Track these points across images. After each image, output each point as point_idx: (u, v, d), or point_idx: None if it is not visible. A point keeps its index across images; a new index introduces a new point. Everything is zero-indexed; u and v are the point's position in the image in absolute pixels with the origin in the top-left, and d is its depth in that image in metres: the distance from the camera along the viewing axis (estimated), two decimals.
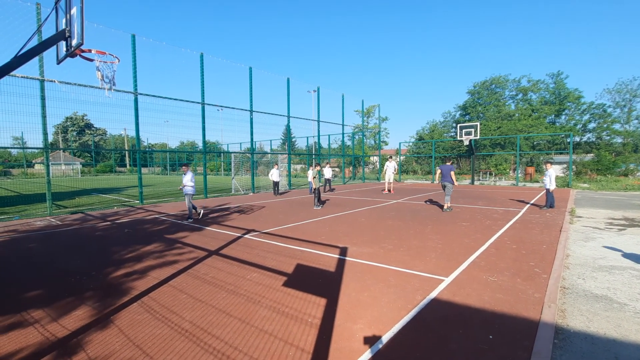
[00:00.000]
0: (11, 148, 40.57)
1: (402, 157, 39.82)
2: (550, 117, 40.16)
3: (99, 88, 5.50)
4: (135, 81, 12.60)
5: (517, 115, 37.98)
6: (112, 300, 3.94)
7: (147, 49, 13.53)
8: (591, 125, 39.00)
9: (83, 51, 4.98)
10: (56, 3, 5.14)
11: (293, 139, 56.25)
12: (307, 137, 32.81)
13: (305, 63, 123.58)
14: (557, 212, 10.15)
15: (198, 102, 14.99)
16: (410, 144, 44.48)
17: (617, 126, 37.52)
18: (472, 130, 22.09)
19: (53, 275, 4.93)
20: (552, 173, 10.70)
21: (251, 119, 17.52)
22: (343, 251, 5.98)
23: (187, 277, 4.73)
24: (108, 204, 13.75)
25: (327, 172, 18.11)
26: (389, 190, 17.29)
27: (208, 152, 28.37)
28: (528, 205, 11.98)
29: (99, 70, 5.18)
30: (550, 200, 10.75)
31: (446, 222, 8.72)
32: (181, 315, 3.54)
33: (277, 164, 17.39)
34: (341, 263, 5.30)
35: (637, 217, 9.42)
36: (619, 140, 37.34)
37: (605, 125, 37.16)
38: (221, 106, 16.79)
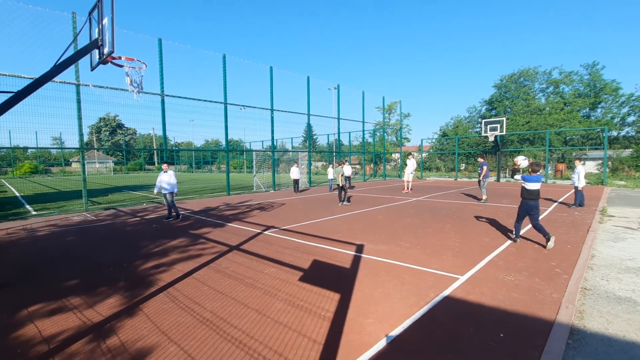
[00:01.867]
0: (51, 148, 43.26)
1: (424, 154, 39.12)
2: (584, 111, 38.13)
3: (129, 91, 5.84)
4: (162, 83, 13.15)
5: (547, 109, 36.33)
6: (141, 291, 4.24)
7: (172, 52, 14.07)
8: (630, 119, 36.69)
9: (114, 58, 5.33)
10: (90, 14, 5.52)
11: (314, 137, 56.53)
12: (328, 135, 32.90)
13: (325, 61, 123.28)
14: (586, 211, 9.74)
15: (221, 102, 15.43)
16: (434, 140, 43.59)
17: None
18: (498, 125, 21.41)
19: (89, 267, 5.33)
20: (581, 170, 10.26)
21: (272, 118, 17.83)
22: (359, 248, 6.07)
23: (209, 271, 4.99)
24: (137, 200, 14.47)
25: (347, 170, 18.12)
26: (409, 189, 16.74)
27: (230, 151, 29.07)
28: (556, 203, 11.54)
29: (128, 76, 5.52)
30: (579, 199, 10.32)
31: (466, 220, 8.60)
32: (203, 305, 3.77)
33: (297, 162, 17.45)
34: (356, 260, 5.40)
35: None
36: None
37: None
38: (243, 105, 17.19)
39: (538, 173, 5.96)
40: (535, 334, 3.06)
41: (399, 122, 36.02)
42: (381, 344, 2.93)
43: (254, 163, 20.13)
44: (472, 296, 3.91)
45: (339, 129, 23.19)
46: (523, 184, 6.10)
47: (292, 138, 36.99)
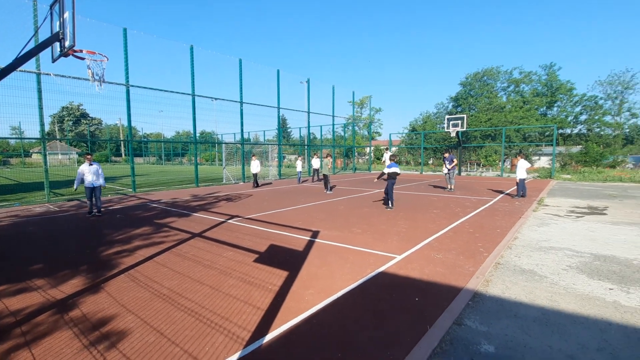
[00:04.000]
0: (9, 138, 40.70)
1: (394, 148, 40.33)
2: (542, 109, 40.69)
3: (90, 83, 5.96)
4: (127, 73, 12.99)
5: (508, 107, 38.47)
6: (103, 272, 4.53)
7: (138, 43, 13.87)
8: (583, 117, 39.64)
9: (75, 51, 5.44)
10: (51, 7, 5.60)
11: (289, 129, 56.56)
12: (300, 128, 33.21)
13: (298, 56, 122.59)
14: (526, 201, 10.79)
15: (188, 94, 15.40)
16: (403, 135, 45.00)
17: (608, 118, 38.22)
18: (459, 122, 22.62)
19: (52, 253, 5.50)
20: (522, 164, 11.32)
21: (241, 110, 17.96)
22: (314, 234, 6.59)
23: (170, 255, 5.32)
24: (102, 192, 14.24)
25: (315, 163, 18.62)
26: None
27: (199, 143, 28.68)
28: (502, 194, 12.62)
29: (90, 69, 5.66)
30: (521, 190, 11.39)
31: (418, 210, 9.34)
32: (161, 283, 4.14)
33: (255, 155, 16.34)
34: (310, 244, 5.90)
35: (600, 205, 10.07)
36: (609, 132, 38.07)
37: (596, 117, 37.81)
38: (213, 98, 17.19)
39: (394, 162, 9.51)
40: (444, 298, 3.68)
41: (369, 117, 36.89)
42: (315, 308, 3.44)
43: (223, 155, 20.18)
44: (402, 271, 4.52)
45: (308, 122, 23.62)
46: (386, 170, 9.35)
47: (264, 131, 37.05)
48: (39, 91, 10.83)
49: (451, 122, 23.22)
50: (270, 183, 18.62)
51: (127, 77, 13.01)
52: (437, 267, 4.64)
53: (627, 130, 41.27)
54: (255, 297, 3.72)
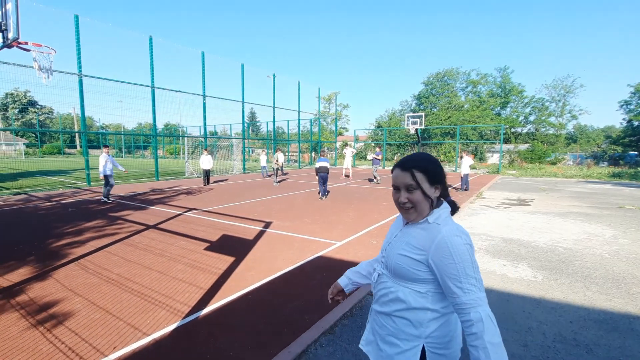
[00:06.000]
0: None
1: (360, 144, 41.42)
2: (497, 109, 43.47)
3: (38, 75, 5.93)
4: (79, 62, 12.57)
5: (466, 106, 40.73)
6: (51, 262, 4.69)
7: (93, 31, 13.42)
8: (532, 118, 42.84)
9: (20, 43, 5.44)
10: None
11: (258, 124, 56.01)
12: (267, 122, 33.23)
13: (265, 52, 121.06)
14: (468, 194, 11.85)
15: (147, 86, 15.13)
16: (369, 131, 46.25)
17: (552, 119, 41.61)
18: (418, 120, 23.82)
19: None
20: (465, 160, 12.39)
21: (204, 104, 17.86)
22: (267, 224, 7.01)
23: (122, 245, 5.53)
24: (54, 185, 13.75)
25: (280, 158, 18.88)
26: (347, 176, 18.39)
27: (159, 136, 27.91)
28: (449, 188, 13.67)
29: (36, 61, 5.66)
30: (464, 183, 12.46)
31: (369, 202, 10.03)
32: (111, 270, 4.39)
33: (206, 150, 14.89)
34: (261, 233, 6.32)
35: (528, 198, 11.30)
36: (553, 131, 41.48)
37: (542, 118, 41.04)
38: (174, 90, 16.95)
39: (324, 157, 10.57)
40: None
41: (336, 113, 37.58)
42: (253, 286, 3.89)
43: (186, 149, 19.94)
44: (338, 255, 5.08)
45: (274, 117, 23.80)
46: (316, 165, 10.39)
47: (231, 125, 36.64)
48: None
49: (411, 120, 24.38)
50: (226, 180, 18.26)
51: (79, 67, 12.59)
52: (369, 251, 5.25)
53: (572, 130, 45.23)
54: (199, 279, 4.11)
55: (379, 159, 15.69)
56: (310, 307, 3.39)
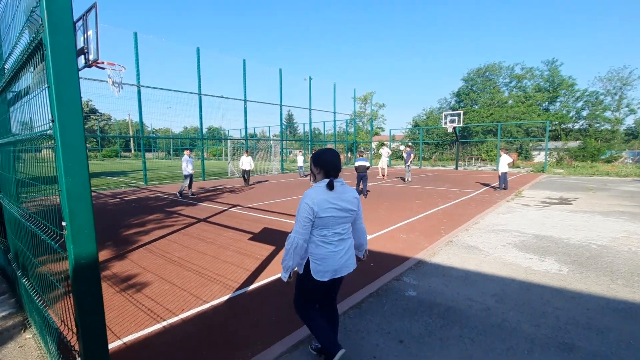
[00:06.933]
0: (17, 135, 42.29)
1: (396, 144, 41.10)
2: (544, 104, 41.00)
3: (111, 89, 6.97)
4: (138, 75, 14.05)
5: (510, 102, 38.87)
6: (125, 247, 5.60)
7: (148, 45, 14.92)
8: (585, 113, 39.87)
9: (98, 63, 6.48)
10: (75, 23, 6.62)
11: (295, 125, 57.49)
12: (303, 124, 34.14)
13: (301, 55, 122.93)
14: (506, 193, 11.64)
15: (195, 93, 16.45)
16: (406, 130, 45.65)
17: (607, 114, 38.41)
18: (456, 118, 23.33)
19: None
20: (503, 159, 12.15)
21: (245, 108, 18.97)
22: None
23: (179, 234, 6.37)
24: (116, 185, 15.46)
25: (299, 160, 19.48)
26: (383, 175, 18.46)
27: (205, 139, 29.67)
28: (487, 187, 13.47)
29: (110, 77, 6.69)
30: (502, 182, 12.23)
31: (403, 200, 10.28)
32: (172, 254, 5.18)
33: (247, 151, 15.17)
34: None
35: (571, 197, 10.89)
36: (608, 127, 38.28)
37: (597, 113, 38.04)
38: (218, 96, 18.21)
39: (363, 157, 10.73)
40: (393, 264, 4.65)
41: (372, 113, 37.62)
42: None
43: (229, 150, 21.25)
44: (368, 247, 5.49)
45: (310, 118, 24.56)
46: (355, 164, 10.56)
47: (269, 127, 38.07)
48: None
49: (448, 118, 23.94)
50: (266, 180, 19.48)
51: (138, 79, 14.08)
52: (398, 244, 5.61)
53: (633, 125, 41.38)
54: (246, 263, 4.75)
55: (408, 159, 15.78)
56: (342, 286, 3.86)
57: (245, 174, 14.89)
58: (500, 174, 12.24)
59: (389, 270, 4.43)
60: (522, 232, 6.32)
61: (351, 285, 3.89)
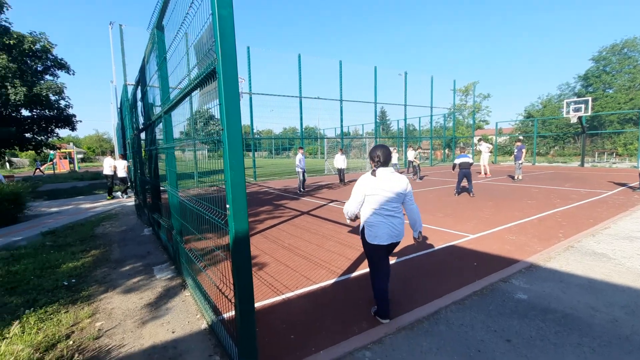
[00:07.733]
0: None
1: (503, 138, 36.91)
2: None
3: None
4: (250, 84, 15.95)
5: None
6: None
7: (256, 55, 16.78)
8: None
9: None
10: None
11: (388, 122, 56.66)
12: (397, 120, 33.48)
13: (398, 49, 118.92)
14: None
15: (296, 97, 17.81)
16: (517, 122, 40.48)
17: None
18: (582, 105, 19.82)
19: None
20: None
21: (341, 108, 19.68)
22: None
23: (287, 225, 7.18)
24: None
25: (410, 155, 19.01)
26: (485, 174, 16.59)
27: (305, 138, 31.61)
28: (623, 187, 11.22)
29: None
30: None
31: (512, 199, 9.39)
32: (283, 241, 5.92)
33: (341, 150, 15.10)
34: None
35: None
36: None
37: None
38: (316, 98, 19.34)
39: (464, 153, 10.44)
40: (500, 265, 4.44)
41: (474, 105, 34.59)
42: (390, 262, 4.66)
43: (325, 149, 22.34)
44: (470, 246, 5.32)
45: (405, 115, 24.01)
46: (456, 161, 10.44)
47: (363, 125, 38.42)
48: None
49: (572, 106, 20.49)
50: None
51: (250, 87, 15.99)
52: (506, 245, 5.28)
53: None
54: (347, 252, 5.14)
55: (519, 154, 14.30)
56: (437, 283, 3.92)
57: (340, 173, 14.89)
58: None
59: (495, 270, 4.26)
60: None
61: (449, 279, 3.91)
